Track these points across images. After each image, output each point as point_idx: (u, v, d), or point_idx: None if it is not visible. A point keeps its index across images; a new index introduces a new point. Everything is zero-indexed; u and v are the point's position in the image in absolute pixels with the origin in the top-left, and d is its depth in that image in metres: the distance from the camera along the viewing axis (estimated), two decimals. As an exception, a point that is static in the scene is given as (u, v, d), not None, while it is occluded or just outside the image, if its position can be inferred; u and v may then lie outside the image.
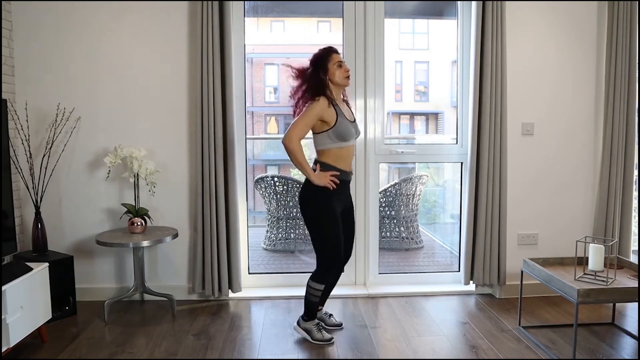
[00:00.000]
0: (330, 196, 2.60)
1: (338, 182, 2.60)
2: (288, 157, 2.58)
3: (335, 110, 2.58)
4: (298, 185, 4.40)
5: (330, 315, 2.96)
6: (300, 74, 2.63)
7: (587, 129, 3.44)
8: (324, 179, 2.57)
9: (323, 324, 2.91)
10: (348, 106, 2.78)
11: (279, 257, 4.60)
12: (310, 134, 2.64)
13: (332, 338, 2.73)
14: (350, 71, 2.68)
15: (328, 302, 3.02)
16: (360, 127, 3.43)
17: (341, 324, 2.94)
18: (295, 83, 2.65)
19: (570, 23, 3.36)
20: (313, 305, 2.74)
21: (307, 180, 2.62)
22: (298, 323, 2.81)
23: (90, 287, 3.32)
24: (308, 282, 2.71)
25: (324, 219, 2.61)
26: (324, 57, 2.61)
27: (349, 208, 2.80)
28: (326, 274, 2.69)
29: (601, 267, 2.61)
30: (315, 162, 2.67)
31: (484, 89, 3.21)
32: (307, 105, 2.57)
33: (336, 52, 2.65)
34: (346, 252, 2.83)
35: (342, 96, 2.74)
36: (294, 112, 2.66)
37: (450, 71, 4.10)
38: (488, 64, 3.18)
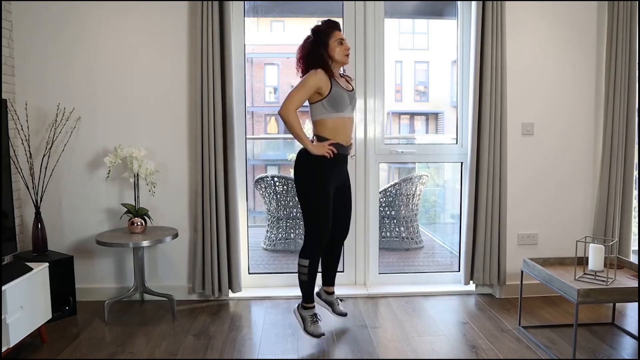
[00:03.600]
0: (325, 171, 2.60)
1: (335, 151, 2.59)
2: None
3: (331, 81, 2.59)
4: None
5: (340, 301, 2.96)
6: (301, 47, 2.66)
7: (587, 129, 3.44)
8: (322, 148, 2.57)
9: (330, 310, 2.93)
10: (347, 81, 2.78)
11: (279, 257, 4.60)
12: (307, 110, 2.66)
13: (323, 334, 2.70)
14: (350, 49, 2.69)
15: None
16: (360, 127, 3.44)
17: (346, 314, 2.97)
18: (298, 56, 2.68)
19: (570, 23, 3.36)
20: (305, 285, 2.71)
21: (301, 151, 2.63)
22: (297, 307, 2.81)
23: (90, 287, 3.32)
24: (298, 260, 2.70)
25: (314, 192, 2.61)
26: (325, 33, 2.62)
27: (344, 184, 2.80)
28: (311, 248, 2.67)
29: (601, 267, 2.61)
30: (314, 137, 2.67)
31: (484, 89, 3.21)
32: (304, 76, 2.59)
33: (338, 28, 2.66)
34: (344, 229, 2.85)
35: (341, 72, 2.75)
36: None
37: (450, 71, 4.10)
38: (488, 64, 3.18)
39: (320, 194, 2.61)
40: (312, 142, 2.63)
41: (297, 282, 2.73)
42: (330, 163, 2.60)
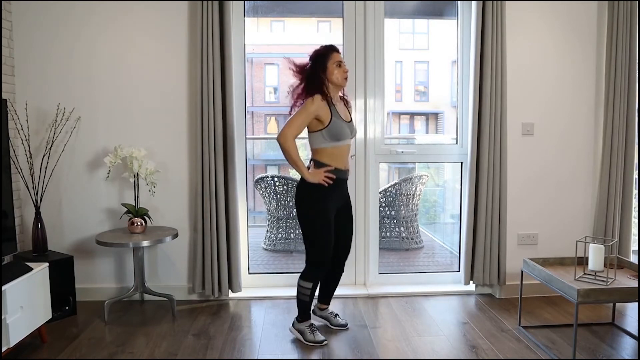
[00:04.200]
0: (325, 196, 2.60)
1: (333, 177, 2.59)
2: (285, 157, 2.58)
3: (331, 109, 2.58)
4: (298, 185, 4.40)
5: (336, 315, 2.95)
6: (300, 70, 2.63)
7: (587, 129, 3.44)
8: (318, 176, 2.57)
9: (328, 324, 2.92)
10: (346, 105, 2.77)
11: (279, 257, 4.60)
12: (305, 133, 2.64)
13: (325, 340, 2.71)
14: (348, 72, 2.68)
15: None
16: (360, 127, 3.44)
17: (347, 324, 2.93)
18: (295, 79, 2.65)
19: (570, 23, 3.36)
20: (304, 304, 2.72)
21: (301, 179, 2.63)
22: (293, 324, 2.81)
23: (90, 287, 3.32)
24: (298, 281, 2.70)
25: (315, 218, 2.61)
26: (324, 55, 2.61)
27: (346, 206, 2.80)
28: (314, 273, 2.67)
29: (601, 267, 2.61)
30: (311, 161, 2.67)
31: (484, 89, 3.21)
32: (303, 102, 2.57)
33: (337, 50, 2.65)
34: (345, 250, 2.84)
35: (341, 94, 2.74)
36: (291, 108, 2.66)
37: (450, 71, 4.10)
38: (488, 64, 3.18)
39: (321, 220, 2.61)
40: (309, 168, 2.63)
41: (297, 282, 2.73)
42: (329, 189, 2.59)
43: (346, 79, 2.65)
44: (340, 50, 2.68)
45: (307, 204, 2.63)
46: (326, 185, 2.57)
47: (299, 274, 2.72)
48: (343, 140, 2.62)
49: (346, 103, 2.79)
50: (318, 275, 2.69)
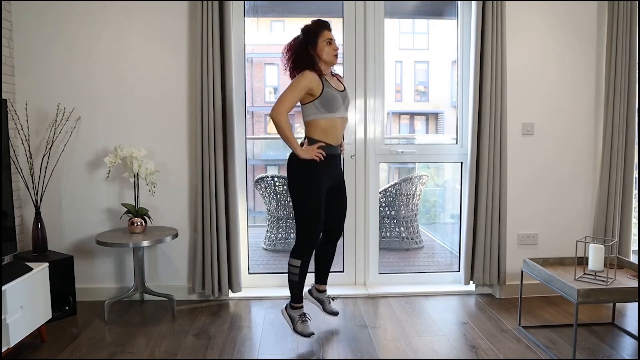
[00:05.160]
0: (317, 172, 2.60)
1: (324, 154, 2.59)
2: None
3: (322, 80, 2.58)
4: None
5: (331, 300, 2.95)
6: (290, 46, 2.65)
7: (587, 129, 3.44)
8: (310, 152, 2.57)
9: (321, 308, 2.93)
10: (338, 80, 2.78)
11: (279, 257, 4.60)
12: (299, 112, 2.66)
13: (313, 334, 2.70)
14: (338, 50, 2.67)
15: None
16: (360, 127, 3.44)
17: (337, 313, 2.96)
18: (286, 55, 2.67)
19: (570, 23, 3.36)
20: (295, 285, 2.71)
21: (292, 154, 2.63)
22: (285, 307, 2.81)
23: (90, 287, 3.32)
24: (288, 260, 2.70)
25: (305, 194, 2.61)
26: (314, 32, 2.61)
27: (339, 184, 2.80)
28: (302, 250, 2.67)
29: (601, 267, 2.61)
30: (305, 138, 2.67)
31: (484, 89, 3.21)
32: (295, 78, 2.58)
33: (328, 28, 2.64)
34: (337, 228, 2.85)
35: (330, 71, 2.74)
36: (286, 69, 2.68)
37: (450, 71, 4.10)
38: (488, 64, 3.18)
39: (311, 195, 2.60)
40: (302, 144, 2.64)
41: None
42: (320, 164, 2.59)
43: (336, 56, 2.64)
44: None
45: (297, 177, 2.63)
46: (318, 160, 2.57)
47: None
48: (336, 110, 2.62)
49: (338, 78, 2.78)
50: (307, 252, 2.68)
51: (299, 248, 2.68)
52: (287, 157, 2.68)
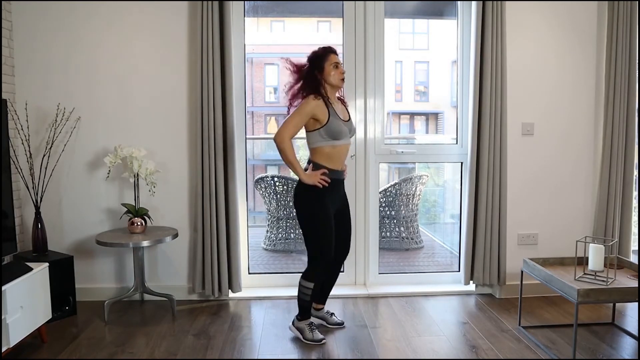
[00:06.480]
0: (323, 195, 2.61)
1: (329, 180, 2.60)
2: (282, 157, 2.59)
3: (328, 109, 2.59)
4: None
5: (332, 314, 2.96)
6: (298, 70, 2.65)
7: (587, 129, 3.44)
8: (313, 178, 2.58)
9: (325, 323, 2.92)
10: (344, 105, 2.79)
11: (279, 257, 4.60)
12: (303, 133, 2.65)
13: (324, 339, 2.72)
14: (345, 73, 2.69)
15: (328, 302, 3.02)
16: (360, 127, 3.44)
17: (343, 323, 2.95)
18: (292, 78, 2.67)
19: (570, 23, 3.36)
20: (305, 304, 2.73)
21: (298, 183, 2.66)
22: (292, 322, 2.82)
23: (90, 287, 3.32)
24: (299, 281, 2.72)
25: (315, 216, 2.62)
26: (321, 57, 2.63)
27: (344, 207, 2.81)
28: (315, 272, 2.69)
29: (601, 267, 2.61)
30: (309, 162, 2.68)
31: (484, 89, 3.21)
32: (300, 102, 2.59)
33: (334, 52, 2.67)
34: (344, 251, 2.85)
35: (338, 94, 2.75)
36: (289, 108, 2.68)
37: (450, 71, 4.10)
38: (488, 64, 3.18)
39: (321, 219, 2.62)
40: (306, 170, 2.65)
41: (297, 282, 2.73)
42: (325, 189, 2.61)
43: (343, 80, 2.67)
44: (339, 52, 2.69)
45: (304, 204, 2.65)
46: (321, 187, 2.58)
47: (299, 274, 2.73)
48: (341, 139, 2.63)
49: (344, 103, 2.80)
50: (320, 275, 2.71)
51: (312, 271, 2.70)
52: (294, 188, 2.70)
